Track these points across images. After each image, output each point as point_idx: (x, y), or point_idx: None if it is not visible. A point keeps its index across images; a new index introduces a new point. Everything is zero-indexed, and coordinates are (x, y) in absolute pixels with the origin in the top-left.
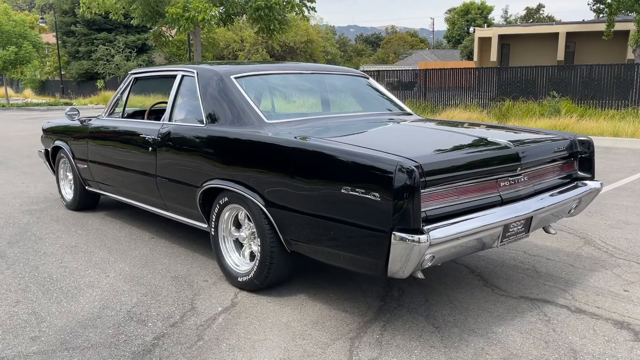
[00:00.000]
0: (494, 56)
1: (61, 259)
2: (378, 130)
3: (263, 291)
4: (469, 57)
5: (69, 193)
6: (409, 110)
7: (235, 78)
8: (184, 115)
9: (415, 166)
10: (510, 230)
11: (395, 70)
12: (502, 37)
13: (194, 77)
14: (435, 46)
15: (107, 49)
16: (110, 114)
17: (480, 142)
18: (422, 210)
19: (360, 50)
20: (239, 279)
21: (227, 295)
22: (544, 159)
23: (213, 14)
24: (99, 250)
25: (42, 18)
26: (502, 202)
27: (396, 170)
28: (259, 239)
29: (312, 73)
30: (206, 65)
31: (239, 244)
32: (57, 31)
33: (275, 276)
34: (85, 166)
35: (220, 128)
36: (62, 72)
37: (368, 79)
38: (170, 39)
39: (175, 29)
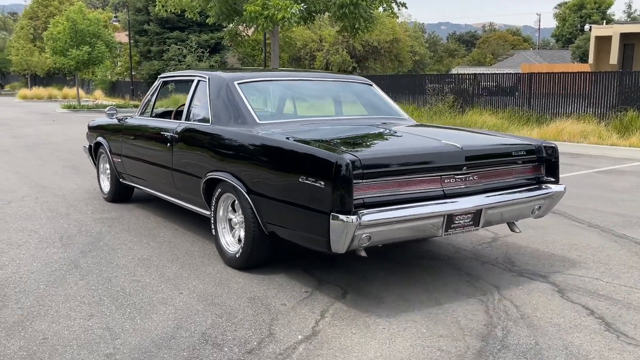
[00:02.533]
0: (614, 58)
1: (134, 272)
2: (350, 131)
3: (347, 320)
4: (582, 59)
5: (106, 186)
6: (405, 116)
7: (239, 84)
8: (197, 115)
9: (351, 160)
10: (456, 221)
11: (494, 73)
12: (624, 36)
13: (206, 81)
14: (541, 46)
15: (179, 49)
16: (142, 113)
17: (430, 143)
18: (360, 197)
19: (452, 50)
20: (229, 258)
21: (308, 323)
22: (498, 161)
23: (294, 11)
24: (171, 265)
25: (115, 16)
26: (445, 196)
27: (334, 164)
28: (244, 223)
29: (314, 80)
30: (217, 71)
31: (232, 228)
32: (130, 30)
33: (257, 256)
34: (120, 160)
35: (221, 127)
36: (133, 73)
37: (372, 86)
38: (247, 38)
39: (253, 28)
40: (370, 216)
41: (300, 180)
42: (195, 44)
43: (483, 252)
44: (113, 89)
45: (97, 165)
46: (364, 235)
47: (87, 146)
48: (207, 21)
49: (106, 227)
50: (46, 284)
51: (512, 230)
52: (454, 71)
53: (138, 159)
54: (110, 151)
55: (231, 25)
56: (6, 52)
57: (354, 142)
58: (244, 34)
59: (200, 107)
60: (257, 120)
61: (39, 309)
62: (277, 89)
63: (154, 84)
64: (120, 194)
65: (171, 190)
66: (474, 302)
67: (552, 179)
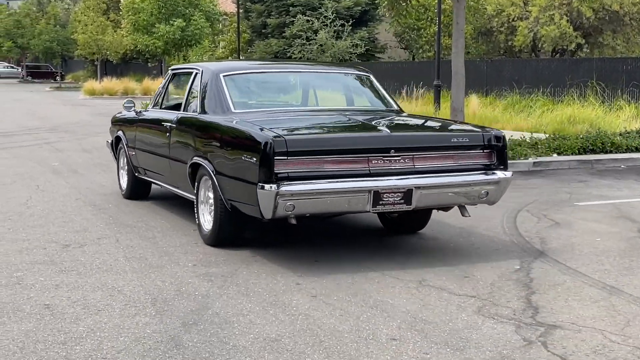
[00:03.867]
0: None
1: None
2: (308, 119)
3: None
4: None
5: (125, 182)
6: (393, 107)
7: (224, 76)
8: (191, 105)
9: (275, 140)
10: (384, 199)
11: None
12: None
13: (200, 74)
14: None
15: (308, 21)
16: (154, 105)
17: (360, 128)
18: (285, 171)
19: None
20: (205, 235)
21: None
22: (433, 147)
23: None
24: (313, 352)
25: None
26: (371, 175)
27: (262, 143)
28: (213, 201)
29: (305, 72)
30: (209, 64)
31: (209, 208)
32: None
33: (224, 231)
34: (134, 153)
35: (204, 115)
36: (241, 58)
37: (369, 77)
38: (413, 3)
39: None
40: (289, 187)
41: (242, 158)
42: (333, 14)
43: None
44: None
45: (117, 160)
46: (288, 204)
47: (109, 141)
48: None
49: (215, 288)
50: None
51: (462, 214)
52: None
53: (147, 151)
54: (127, 145)
55: None
56: (69, 29)
57: (297, 127)
58: None
59: (194, 98)
60: (233, 109)
61: None
62: (263, 80)
63: (166, 76)
64: (138, 191)
65: (169, 178)
66: None
67: (502, 167)
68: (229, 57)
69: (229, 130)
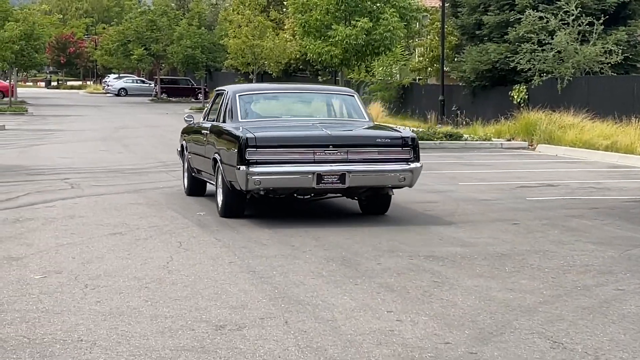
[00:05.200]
0: None
1: None
2: (286, 125)
3: None
4: None
5: (186, 181)
6: (366, 118)
7: (239, 95)
8: (219, 116)
9: (247, 137)
10: (325, 179)
11: None
12: None
13: (226, 93)
14: None
15: (541, 19)
16: (205, 118)
17: (312, 130)
18: (255, 158)
19: None
20: (218, 209)
21: None
22: (362, 144)
23: None
24: None
25: None
26: (315, 162)
27: (239, 139)
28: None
29: (300, 92)
30: (234, 86)
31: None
32: None
33: (229, 205)
34: (190, 157)
35: (222, 124)
36: (445, 69)
37: (353, 96)
38: None
39: None
40: (256, 168)
41: (231, 150)
42: (577, 9)
43: None
44: (403, 101)
45: (183, 164)
46: (256, 179)
47: (178, 149)
48: None
49: None
50: None
51: (387, 193)
52: None
53: (196, 153)
54: (187, 150)
55: None
56: (217, 32)
57: (271, 130)
58: None
59: (221, 111)
60: (239, 119)
61: None
62: (268, 98)
63: (213, 95)
64: (195, 189)
65: (207, 174)
66: None
67: (416, 160)
68: (428, 69)
69: (228, 132)
